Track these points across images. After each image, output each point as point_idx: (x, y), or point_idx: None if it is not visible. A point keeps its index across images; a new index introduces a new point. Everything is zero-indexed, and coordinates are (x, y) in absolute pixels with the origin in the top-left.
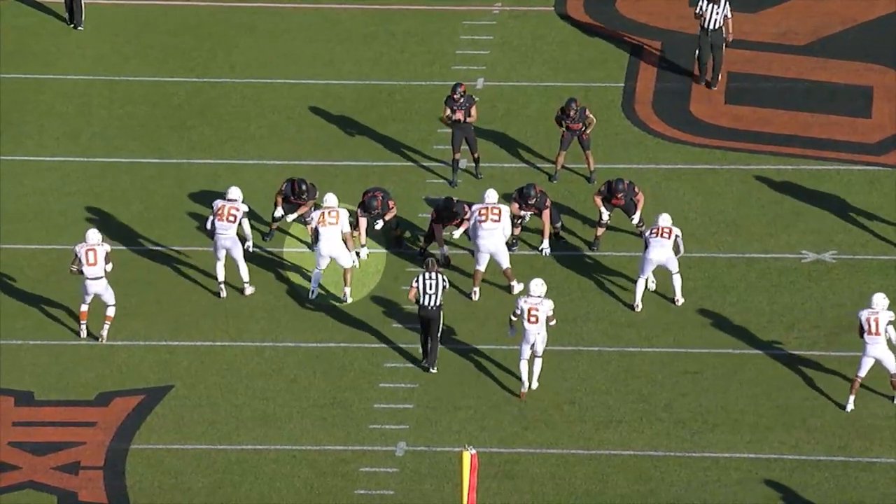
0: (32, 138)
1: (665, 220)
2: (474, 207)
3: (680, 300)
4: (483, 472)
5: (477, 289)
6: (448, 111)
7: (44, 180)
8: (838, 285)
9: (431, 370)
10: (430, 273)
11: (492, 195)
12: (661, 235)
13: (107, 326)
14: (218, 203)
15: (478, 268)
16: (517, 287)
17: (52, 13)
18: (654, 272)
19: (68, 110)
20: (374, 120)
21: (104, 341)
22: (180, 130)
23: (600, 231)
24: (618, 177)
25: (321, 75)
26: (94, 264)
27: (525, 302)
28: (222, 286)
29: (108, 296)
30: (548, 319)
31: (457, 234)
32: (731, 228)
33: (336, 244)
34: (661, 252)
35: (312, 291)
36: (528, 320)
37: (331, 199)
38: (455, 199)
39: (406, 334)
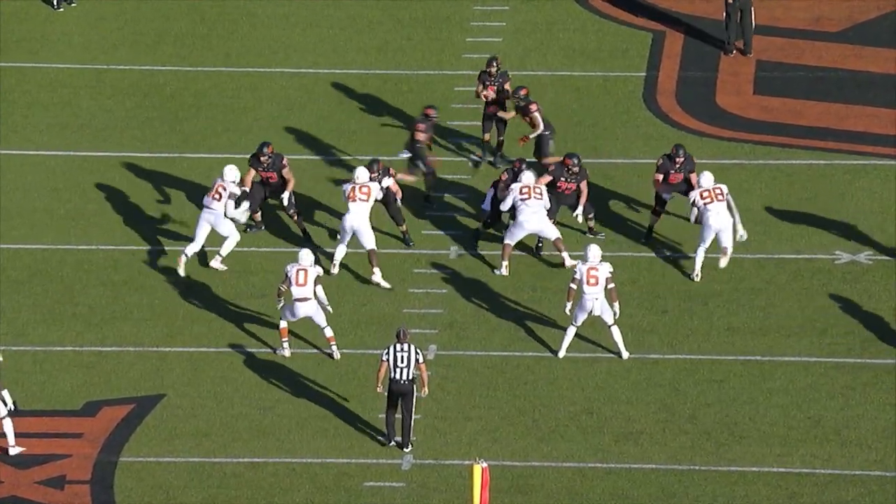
0: (16, 131)
1: (708, 179)
2: (513, 186)
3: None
4: (495, 486)
5: (506, 263)
6: (481, 87)
7: (28, 176)
8: (874, 288)
9: (405, 449)
10: (401, 344)
11: (528, 176)
12: (716, 199)
13: (334, 347)
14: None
15: (507, 242)
16: (568, 260)
17: None
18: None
19: (54, 101)
20: (379, 111)
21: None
22: (172, 122)
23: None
24: (641, 171)
25: (323, 64)
26: (304, 285)
27: (584, 264)
28: (183, 257)
29: (320, 318)
30: (607, 282)
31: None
32: (760, 227)
33: (363, 220)
34: (720, 217)
35: (334, 265)
36: (588, 282)
37: (362, 174)
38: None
39: (415, 339)
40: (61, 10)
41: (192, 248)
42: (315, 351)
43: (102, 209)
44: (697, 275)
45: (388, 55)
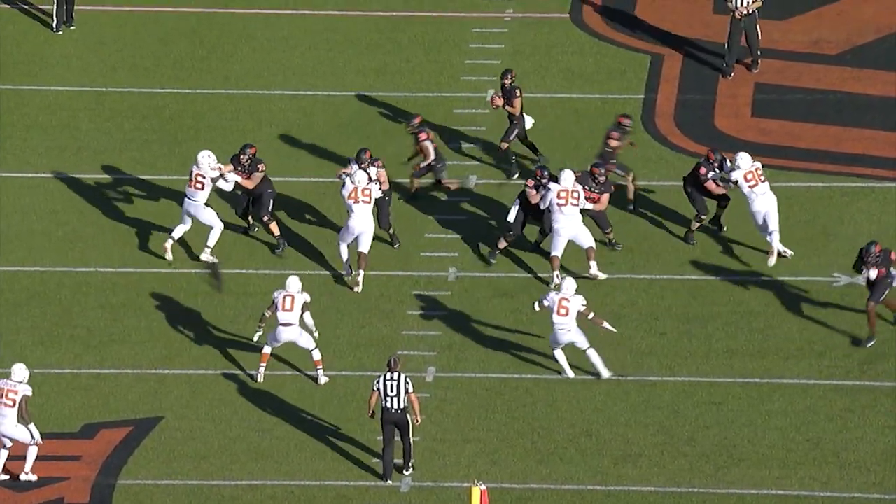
0: (14, 154)
1: (746, 160)
2: (552, 186)
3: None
4: None
5: (557, 272)
6: (497, 98)
7: (26, 198)
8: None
9: (405, 472)
10: (391, 373)
11: (568, 177)
12: (760, 181)
13: (320, 370)
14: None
15: (555, 253)
16: (595, 270)
17: (37, 19)
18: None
19: (52, 123)
20: (378, 133)
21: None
22: (171, 145)
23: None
24: (638, 195)
25: (322, 86)
26: (290, 311)
27: (556, 294)
28: (169, 241)
29: (305, 341)
30: (584, 315)
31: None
32: (757, 249)
33: (368, 223)
34: (766, 199)
35: (346, 267)
36: (558, 312)
37: (362, 178)
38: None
39: (413, 361)
40: (60, 32)
41: (178, 232)
42: (312, 373)
43: (101, 231)
44: (787, 252)
45: (386, 77)
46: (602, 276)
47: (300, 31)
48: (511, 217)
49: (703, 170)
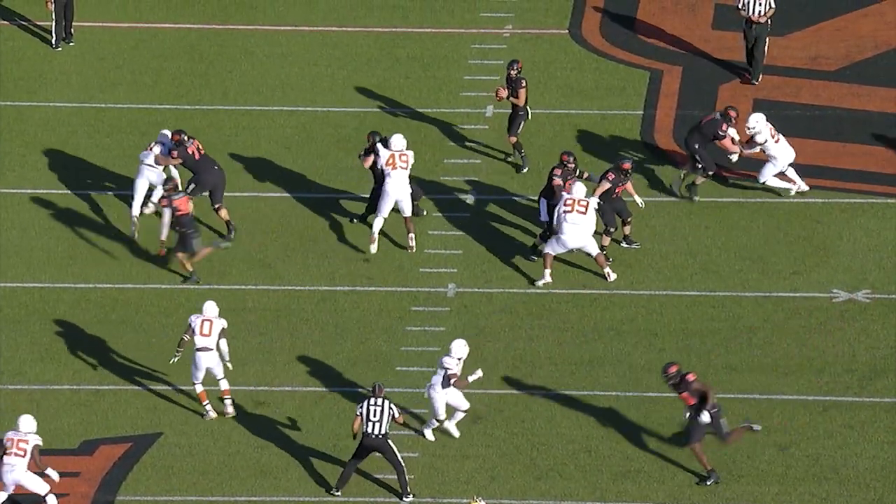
0: (13, 170)
1: (762, 120)
2: (564, 196)
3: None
4: None
5: (549, 271)
6: (501, 90)
7: (25, 214)
8: (872, 327)
9: (406, 498)
10: (375, 399)
11: (578, 189)
12: (779, 137)
13: (228, 401)
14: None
15: (548, 251)
16: (611, 275)
17: (36, 35)
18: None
19: (52, 140)
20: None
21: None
22: None
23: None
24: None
25: (321, 102)
26: (208, 336)
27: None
28: (134, 220)
29: (219, 370)
30: (452, 378)
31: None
32: (758, 265)
33: (405, 188)
34: (788, 150)
35: (373, 241)
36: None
37: (399, 141)
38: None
39: (410, 376)
40: (59, 49)
41: (135, 208)
42: (311, 389)
43: (100, 248)
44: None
45: (386, 93)
46: (613, 277)
47: (299, 47)
48: (544, 216)
49: (724, 126)
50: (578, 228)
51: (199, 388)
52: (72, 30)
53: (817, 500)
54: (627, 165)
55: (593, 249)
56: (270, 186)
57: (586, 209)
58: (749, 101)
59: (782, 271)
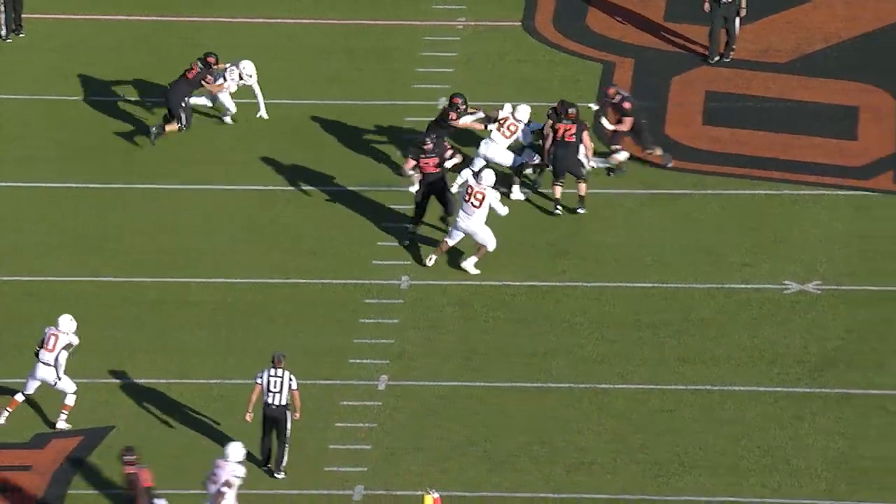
0: None
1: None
2: (468, 182)
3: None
4: None
5: (435, 257)
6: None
7: None
8: (823, 318)
9: (277, 475)
10: (275, 369)
11: (486, 176)
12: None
13: (63, 416)
14: None
15: (447, 240)
16: (473, 271)
17: None
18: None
19: (4, 133)
20: (329, 142)
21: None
22: (124, 154)
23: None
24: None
25: (272, 94)
26: (52, 350)
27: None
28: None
29: (60, 383)
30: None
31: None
32: (710, 257)
33: (503, 151)
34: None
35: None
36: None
37: (509, 111)
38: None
39: (365, 369)
40: (9, 41)
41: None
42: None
43: (50, 241)
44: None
45: (338, 86)
46: (475, 271)
47: (252, 40)
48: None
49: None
50: (470, 217)
51: (19, 398)
52: (21, 21)
53: (768, 491)
54: (558, 106)
55: (481, 240)
56: (221, 178)
57: (481, 203)
58: (701, 93)
59: (734, 263)
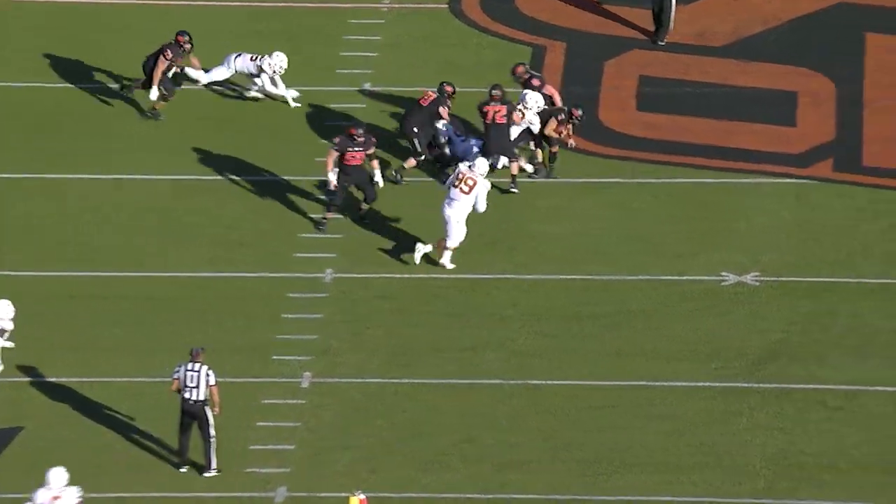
0: None
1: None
2: (461, 167)
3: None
4: None
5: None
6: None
7: None
8: (762, 310)
9: (206, 474)
10: (193, 364)
11: (480, 164)
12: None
13: None
14: None
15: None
16: (448, 265)
17: None
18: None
19: None
20: (248, 129)
21: None
22: (33, 143)
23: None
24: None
25: (189, 79)
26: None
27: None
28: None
29: None
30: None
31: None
32: (646, 248)
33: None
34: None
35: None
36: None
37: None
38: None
39: (288, 366)
40: None
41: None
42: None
43: None
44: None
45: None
46: (450, 266)
47: (161, 24)
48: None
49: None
50: (453, 203)
51: None
52: None
53: (706, 489)
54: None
55: (449, 233)
56: (135, 168)
57: (469, 190)
58: (635, 78)
59: (671, 254)
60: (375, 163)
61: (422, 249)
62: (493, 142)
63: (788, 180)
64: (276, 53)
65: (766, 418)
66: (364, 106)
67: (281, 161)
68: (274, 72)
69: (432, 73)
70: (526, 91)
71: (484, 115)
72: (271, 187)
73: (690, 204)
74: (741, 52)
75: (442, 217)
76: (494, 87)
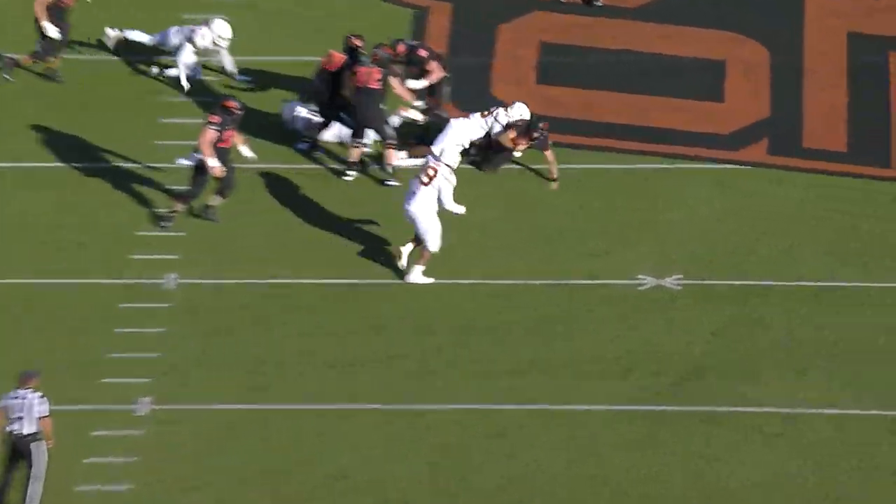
0: None
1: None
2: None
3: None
4: None
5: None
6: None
7: None
8: (683, 317)
9: None
10: (22, 390)
11: (448, 155)
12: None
13: None
14: None
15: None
16: (418, 274)
17: None
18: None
19: None
20: (72, 108)
21: None
22: None
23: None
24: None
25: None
26: None
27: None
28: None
29: None
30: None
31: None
32: (548, 246)
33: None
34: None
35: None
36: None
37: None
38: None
39: (120, 390)
40: None
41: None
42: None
43: None
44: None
45: (78, 35)
46: (427, 280)
47: None
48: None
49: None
50: (416, 199)
51: None
52: None
53: None
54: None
55: (419, 229)
56: (12, 154)
57: (430, 182)
58: (535, 46)
59: (577, 253)
60: (243, 139)
61: (405, 252)
62: (361, 111)
63: (715, 165)
64: (215, 20)
65: (691, 445)
66: (212, 79)
67: (114, 144)
68: (214, 43)
69: (300, 41)
70: (516, 102)
71: (354, 76)
72: (102, 175)
73: (601, 195)
74: (659, 13)
75: (406, 217)
76: (378, 45)
